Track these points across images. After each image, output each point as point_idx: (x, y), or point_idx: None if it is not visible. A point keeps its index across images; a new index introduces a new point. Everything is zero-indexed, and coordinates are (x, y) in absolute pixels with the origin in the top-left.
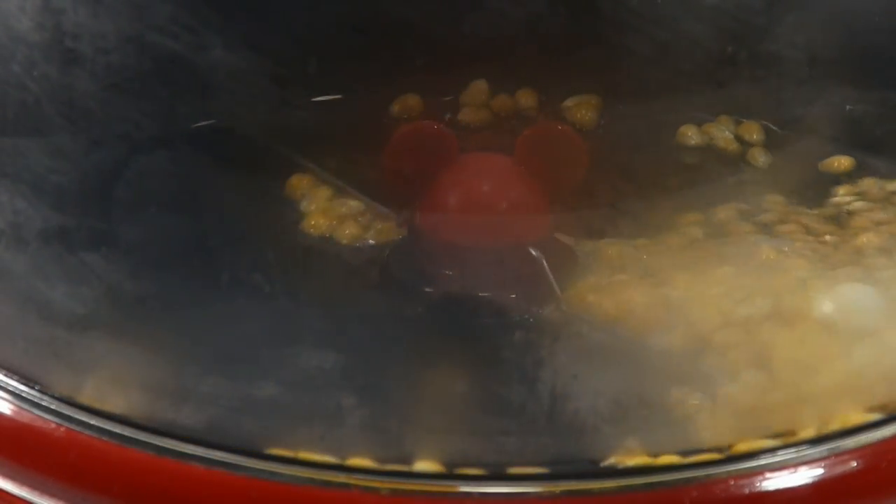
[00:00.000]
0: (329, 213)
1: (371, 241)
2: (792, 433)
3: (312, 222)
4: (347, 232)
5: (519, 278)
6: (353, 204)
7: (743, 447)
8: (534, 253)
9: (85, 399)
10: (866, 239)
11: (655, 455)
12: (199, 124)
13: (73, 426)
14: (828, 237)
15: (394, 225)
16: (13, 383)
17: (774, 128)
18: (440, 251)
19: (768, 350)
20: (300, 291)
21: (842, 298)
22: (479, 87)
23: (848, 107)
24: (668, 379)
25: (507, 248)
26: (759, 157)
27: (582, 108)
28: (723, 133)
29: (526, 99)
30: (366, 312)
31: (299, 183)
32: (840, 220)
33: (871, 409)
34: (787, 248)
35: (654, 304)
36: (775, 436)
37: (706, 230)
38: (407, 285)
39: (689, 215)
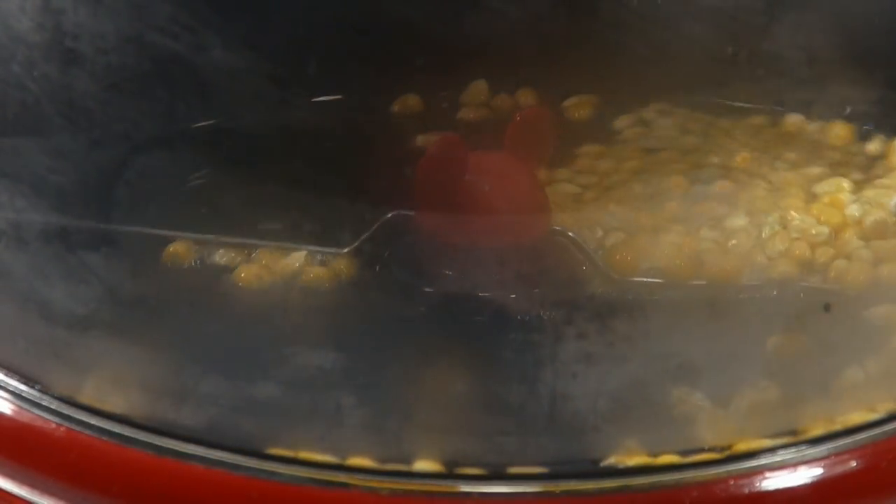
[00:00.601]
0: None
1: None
2: None
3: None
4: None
5: (555, 264)
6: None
7: (743, 447)
8: (571, 235)
9: (85, 399)
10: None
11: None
12: (199, 124)
13: (73, 426)
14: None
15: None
16: (13, 383)
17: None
18: (440, 251)
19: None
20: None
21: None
22: (478, 87)
23: (848, 107)
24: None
25: (517, 244)
26: None
27: (581, 108)
28: None
29: (525, 98)
30: (366, 312)
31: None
32: None
33: None
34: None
35: (715, 248)
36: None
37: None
38: (407, 285)
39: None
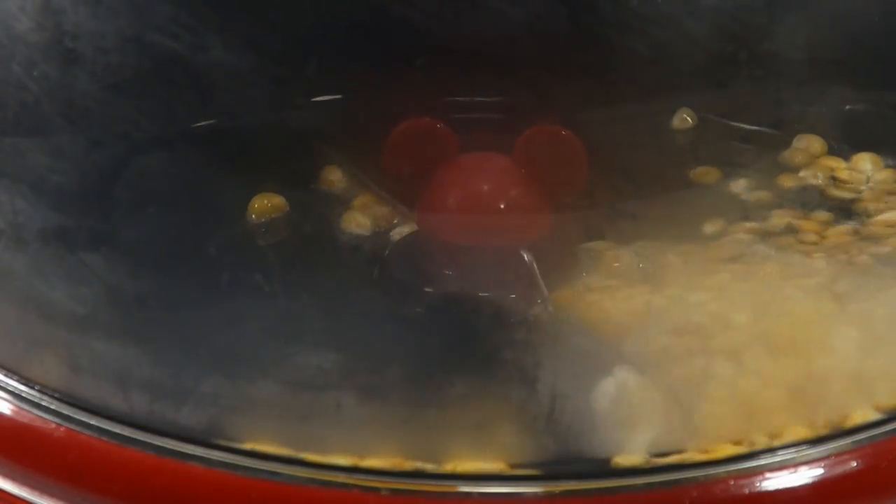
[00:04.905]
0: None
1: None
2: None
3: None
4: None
5: (508, 279)
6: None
7: (742, 447)
8: (524, 254)
9: (85, 399)
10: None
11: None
12: (199, 124)
13: (73, 426)
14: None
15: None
16: (13, 383)
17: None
18: (440, 251)
19: (742, 359)
20: (300, 291)
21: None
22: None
23: (848, 107)
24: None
25: (502, 248)
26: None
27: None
28: None
29: None
30: (366, 312)
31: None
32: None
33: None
34: (788, 259)
35: (632, 309)
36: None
37: (708, 237)
38: (407, 285)
39: (708, 223)
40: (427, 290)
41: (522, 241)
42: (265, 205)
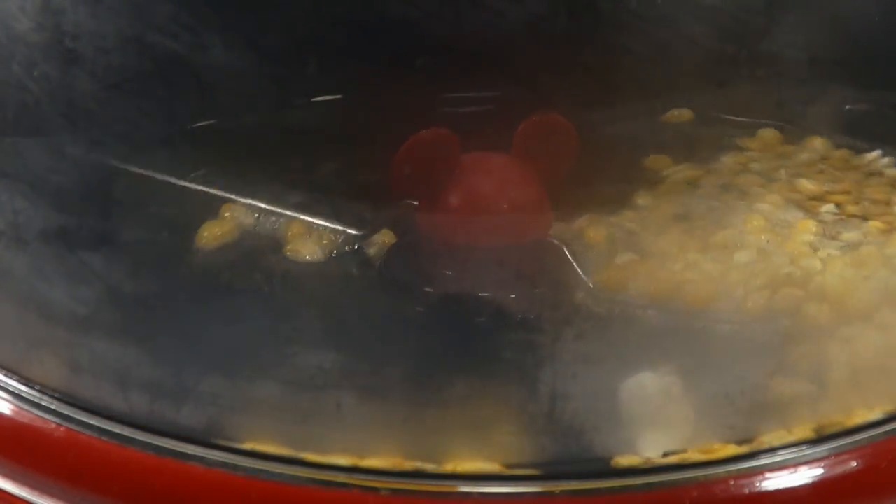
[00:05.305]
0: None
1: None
2: None
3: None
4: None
5: (546, 271)
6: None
7: (743, 447)
8: (556, 242)
9: (85, 399)
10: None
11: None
12: (199, 124)
13: (73, 426)
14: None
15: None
16: (13, 383)
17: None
18: (440, 251)
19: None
20: (300, 290)
21: None
22: None
23: (848, 107)
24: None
25: (514, 246)
26: None
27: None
28: None
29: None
30: (366, 312)
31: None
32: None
33: None
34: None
35: (699, 277)
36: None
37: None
38: (407, 285)
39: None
40: (427, 290)
41: (523, 241)
42: (215, 233)
